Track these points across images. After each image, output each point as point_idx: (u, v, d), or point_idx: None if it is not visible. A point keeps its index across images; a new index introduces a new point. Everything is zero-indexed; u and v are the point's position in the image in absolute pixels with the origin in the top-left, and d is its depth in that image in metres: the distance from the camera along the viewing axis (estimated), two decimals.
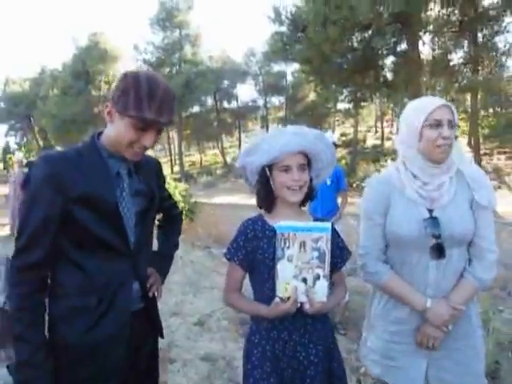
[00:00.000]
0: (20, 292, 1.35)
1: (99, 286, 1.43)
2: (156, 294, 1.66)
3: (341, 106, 29.01)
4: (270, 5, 20.66)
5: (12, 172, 9.61)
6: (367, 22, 14.09)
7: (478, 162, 17.30)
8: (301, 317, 1.54)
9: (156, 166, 1.74)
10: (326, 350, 1.62)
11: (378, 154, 24.34)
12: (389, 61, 18.49)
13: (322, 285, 1.45)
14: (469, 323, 1.70)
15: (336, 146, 5.14)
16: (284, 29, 19.77)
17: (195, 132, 38.38)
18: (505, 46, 16.33)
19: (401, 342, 1.74)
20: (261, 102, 39.53)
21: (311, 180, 1.66)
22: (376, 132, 33.84)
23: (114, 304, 1.44)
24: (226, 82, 37.10)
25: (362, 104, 20.53)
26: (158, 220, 1.92)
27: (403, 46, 17.43)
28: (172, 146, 40.79)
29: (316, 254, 1.43)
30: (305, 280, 1.44)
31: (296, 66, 26.06)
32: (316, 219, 1.71)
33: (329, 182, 4.97)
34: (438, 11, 16.32)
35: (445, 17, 16.37)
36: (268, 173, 1.60)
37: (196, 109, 37.15)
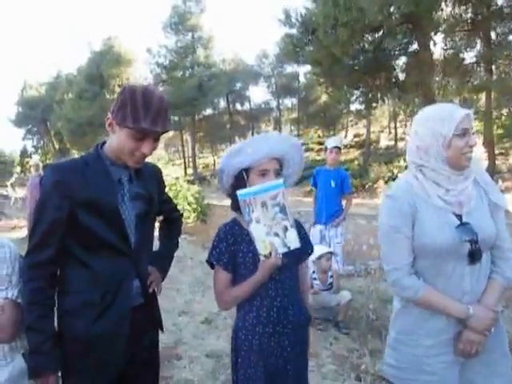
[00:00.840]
0: (32, 287, 1.51)
1: (103, 283, 1.57)
2: (156, 290, 1.80)
3: (353, 107, 28.92)
4: (280, 7, 20.78)
5: (29, 175, 9.91)
6: (377, 23, 14.08)
7: (493, 161, 17.13)
8: (281, 308, 1.69)
9: (156, 172, 1.88)
10: (302, 334, 1.78)
11: (391, 155, 24.19)
12: (400, 61, 18.45)
13: (292, 233, 1.60)
14: (496, 336, 1.67)
15: (340, 149, 5.26)
16: (294, 31, 19.88)
17: (208, 134, 38.61)
18: None
19: (439, 354, 1.70)
20: (274, 104, 39.71)
21: None
22: (390, 133, 33.61)
23: (116, 299, 1.58)
24: (238, 84, 37.31)
25: (374, 105, 20.45)
26: (159, 222, 2.06)
27: (414, 47, 17.34)
28: (185, 149, 41.12)
29: (277, 209, 1.57)
30: (277, 234, 1.59)
31: (308, 67, 26.08)
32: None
33: (333, 185, 5.09)
34: (450, 10, 16.24)
35: (457, 16, 16.28)
36: (245, 176, 1.70)
37: (209, 111, 37.39)
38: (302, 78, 36.20)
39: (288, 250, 1.61)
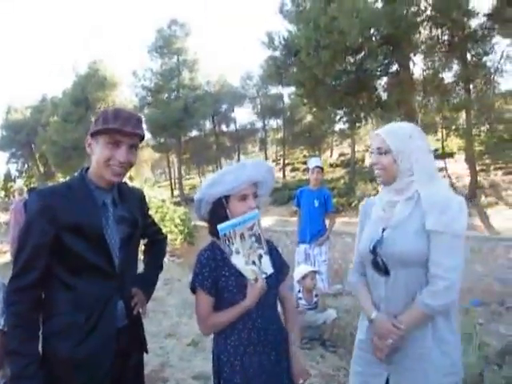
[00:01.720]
0: (16, 311, 1.52)
1: (87, 305, 1.59)
2: (140, 311, 1.82)
3: (337, 126, 29.36)
4: (263, 30, 21.17)
5: (13, 200, 9.82)
6: (358, 45, 14.47)
7: (475, 177, 17.47)
8: (262, 329, 1.73)
9: (139, 195, 1.93)
10: (283, 352, 1.81)
11: None
12: (382, 81, 18.88)
13: (266, 260, 1.71)
14: (422, 345, 1.70)
15: (322, 169, 5.37)
16: (278, 53, 20.29)
17: (195, 156, 38.74)
18: (493, 65, 16.74)
19: (365, 350, 1.85)
20: (259, 125, 40.08)
21: None
22: None
23: (101, 321, 1.60)
24: (224, 106, 37.69)
25: (358, 124, 20.80)
26: (144, 244, 2.09)
27: (395, 67, 17.81)
28: (172, 170, 41.12)
29: (254, 238, 1.69)
30: (254, 262, 1.69)
31: (292, 88, 26.49)
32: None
33: (317, 204, 5.17)
34: (428, 33, 16.78)
35: (434, 38, 16.81)
36: (225, 203, 1.74)
37: (195, 133, 37.68)
38: (286, 99, 36.68)
39: (265, 275, 1.70)
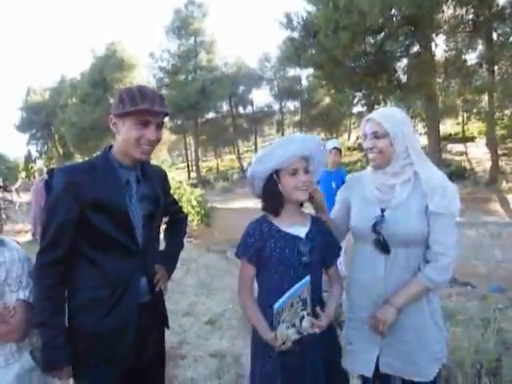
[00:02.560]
0: (44, 284, 1.58)
1: (111, 281, 1.64)
2: (162, 288, 1.86)
3: (356, 109, 28.96)
4: (282, 11, 20.83)
5: (33, 180, 10.04)
6: (378, 25, 14.16)
7: (496, 162, 17.14)
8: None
9: (162, 173, 1.96)
10: (326, 345, 1.80)
11: None
12: (402, 63, 18.51)
13: (306, 321, 1.65)
14: (420, 317, 1.81)
15: (340, 151, 5.32)
16: (296, 34, 19.94)
17: (211, 138, 38.73)
18: None
19: (357, 328, 1.88)
20: (276, 107, 39.73)
21: None
22: None
23: (124, 296, 1.65)
24: (241, 88, 37.41)
25: (377, 107, 20.46)
26: (165, 223, 2.12)
27: (416, 48, 17.40)
28: (189, 152, 41.26)
29: (300, 303, 1.63)
30: (294, 325, 1.63)
31: (310, 70, 26.15)
32: (314, 215, 1.91)
33: (334, 185, 5.15)
34: (451, 12, 16.31)
35: (458, 17, 16.34)
36: (276, 178, 1.77)
37: (212, 115, 37.60)
38: (304, 81, 36.29)
39: (301, 336, 1.65)
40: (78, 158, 36.56)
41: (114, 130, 1.67)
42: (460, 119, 26.52)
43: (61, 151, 47.73)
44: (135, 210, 1.71)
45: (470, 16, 16.40)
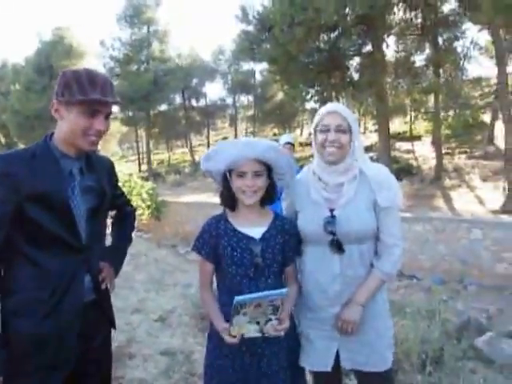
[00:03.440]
0: None
1: (52, 280, 1.51)
2: (109, 286, 1.74)
3: (309, 105, 29.32)
4: (237, 4, 20.70)
5: None
6: (333, 23, 14.33)
7: (440, 160, 17.91)
8: None
9: (108, 164, 1.83)
10: (286, 346, 1.79)
11: None
12: (354, 62, 18.88)
13: (273, 324, 1.62)
14: (374, 308, 1.86)
15: (293, 145, 5.32)
16: (251, 28, 19.90)
17: (163, 130, 37.98)
18: (463, 51, 17.02)
19: (316, 328, 1.88)
20: (230, 101, 39.58)
21: (274, 183, 1.81)
22: None
23: (66, 296, 1.52)
24: (194, 80, 36.91)
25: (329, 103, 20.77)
26: (112, 217, 1.99)
27: (368, 48, 17.80)
28: (140, 144, 40.27)
29: (270, 308, 1.58)
30: (258, 322, 1.59)
31: (264, 65, 26.14)
32: (277, 215, 1.87)
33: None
34: (402, 15, 16.83)
35: (408, 20, 16.89)
36: (228, 177, 1.76)
37: (164, 107, 36.82)
38: (258, 76, 36.31)
39: (261, 335, 1.62)
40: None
41: (57, 117, 1.54)
42: (408, 118, 27.48)
43: (2, 140, 45.15)
44: (78, 203, 1.58)
45: (419, 20, 17.00)
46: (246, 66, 35.48)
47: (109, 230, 1.90)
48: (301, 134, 38.25)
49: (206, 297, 1.83)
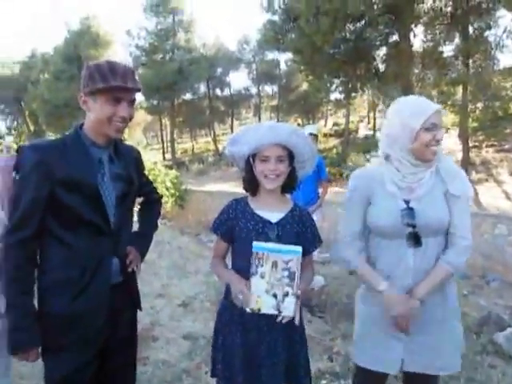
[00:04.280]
0: (13, 264, 1.53)
1: (82, 261, 1.60)
2: (135, 269, 1.84)
3: (333, 96, 29.09)
4: None
5: (1, 158, 9.72)
6: (359, 13, 14.17)
7: (467, 153, 17.56)
8: None
9: (136, 153, 1.92)
10: (288, 323, 1.80)
11: (369, 145, 24.48)
12: (380, 52, 18.61)
13: (291, 301, 1.60)
14: (444, 307, 1.80)
15: (316, 136, 5.32)
16: (277, 18, 19.78)
17: (188, 119, 38.26)
18: (495, 40, 16.54)
19: (379, 326, 1.85)
20: (254, 90, 39.56)
21: (294, 171, 1.82)
22: (368, 122, 33.96)
23: (95, 277, 1.62)
24: (219, 70, 36.99)
25: (354, 94, 20.64)
26: (139, 203, 2.09)
27: (395, 38, 17.52)
28: (164, 133, 40.69)
29: (286, 273, 1.59)
30: (275, 295, 1.60)
31: (289, 55, 25.98)
32: (296, 205, 1.89)
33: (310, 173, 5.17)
34: (431, 4, 16.46)
35: (437, 9, 16.51)
36: (251, 161, 1.78)
37: (189, 96, 37.05)
38: (282, 66, 36.13)
39: (278, 313, 1.61)
40: (50, 136, 35.57)
41: (85, 108, 1.63)
42: None
43: (32, 128, 46.26)
44: (107, 189, 1.67)
45: (449, 9, 16.60)
46: (271, 55, 35.38)
47: (135, 217, 1.99)
48: (325, 124, 37.97)
49: (218, 262, 1.89)
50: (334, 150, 24.84)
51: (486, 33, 16.59)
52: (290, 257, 1.60)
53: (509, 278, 8.11)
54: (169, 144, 37.65)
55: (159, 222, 2.25)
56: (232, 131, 37.71)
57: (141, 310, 1.92)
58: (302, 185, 5.23)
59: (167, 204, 14.09)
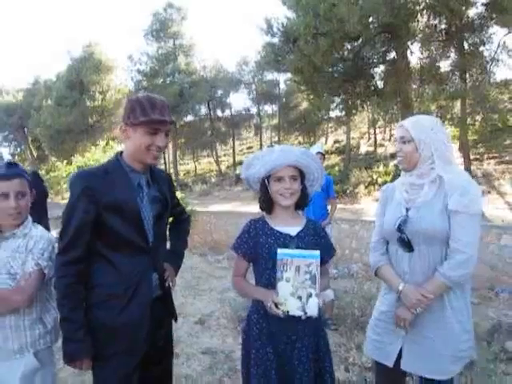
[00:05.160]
0: (64, 283, 1.69)
1: (126, 277, 1.76)
2: (171, 284, 1.99)
3: (333, 113, 29.44)
4: (262, 16, 20.95)
5: None
6: (357, 33, 14.46)
7: (468, 166, 17.69)
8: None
9: (168, 177, 2.10)
10: (313, 329, 1.94)
11: (371, 161, 24.71)
12: (379, 70, 18.92)
13: (314, 301, 1.76)
14: (441, 314, 1.92)
15: (323, 155, 5.51)
16: (276, 40, 20.15)
17: (190, 141, 38.57)
18: (490, 55, 16.85)
19: (385, 321, 2.05)
20: (254, 110, 39.94)
21: (306, 189, 2.00)
22: (369, 139, 34.22)
23: (138, 291, 1.78)
24: (219, 91, 37.42)
25: (354, 112, 20.87)
26: (169, 223, 2.25)
27: (392, 55, 17.83)
28: (166, 155, 41.00)
29: (308, 276, 1.75)
30: (300, 297, 1.76)
31: (288, 74, 26.38)
32: (309, 219, 2.05)
33: (319, 190, 5.33)
34: (426, 21, 16.81)
35: (432, 26, 16.86)
36: (266, 182, 1.95)
37: (190, 118, 37.45)
38: (282, 85, 36.59)
39: (303, 314, 1.76)
40: (53, 161, 35.86)
41: (124, 136, 1.80)
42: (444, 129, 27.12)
43: (35, 153, 46.67)
44: (146, 210, 1.84)
45: (443, 26, 16.95)
46: (270, 75, 35.82)
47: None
48: (325, 142, 38.27)
49: (241, 280, 2.01)
50: (336, 167, 25.03)
51: (481, 48, 16.90)
52: (311, 260, 1.76)
53: None
54: (171, 165, 37.91)
55: None
56: (234, 151, 38.02)
57: (176, 321, 2.06)
58: (312, 202, 5.43)
59: None
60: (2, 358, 1.80)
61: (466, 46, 16.95)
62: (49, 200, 5.27)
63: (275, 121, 39.80)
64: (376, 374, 2.24)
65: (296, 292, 1.75)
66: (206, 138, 38.57)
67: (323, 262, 1.96)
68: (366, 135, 36.34)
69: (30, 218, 1.96)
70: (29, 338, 1.83)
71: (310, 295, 1.75)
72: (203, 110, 37.94)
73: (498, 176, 18.25)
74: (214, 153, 38.35)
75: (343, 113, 21.56)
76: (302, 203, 2.01)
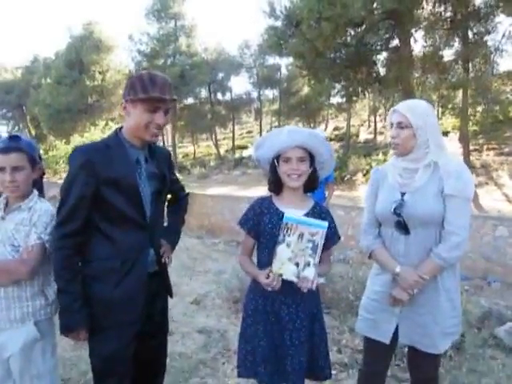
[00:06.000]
0: (62, 255, 1.71)
1: (123, 252, 1.79)
2: (167, 260, 2.02)
3: (334, 100, 29.29)
4: None
5: None
6: (360, 18, 14.32)
7: (467, 157, 17.70)
8: (291, 288, 1.87)
9: (167, 154, 2.11)
10: (308, 313, 1.97)
11: (370, 148, 24.69)
12: (381, 57, 18.76)
13: (311, 271, 1.77)
14: (435, 294, 2.01)
15: None
16: (278, 23, 19.92)
17: (189, 124, 38.36)
18: (494, 45, 16.72)
19: (379, 301, 2.10)
20: (255, 95, 39.68)
21: (315, 171, 2.01)
22: (369, 126, 34.11)
23: (135, 266, 1.80)
24: (220, 74, 37.13)
25: (355, 99, 20.75)
26: (168, 200, 2.27)
27: (395, 43, 17.66)
28: (165, 138, 40.84)
29: (310, 245, 1.77)
30: (297, 264, 1.77)
31: (290, 59, 26.16)
32: (317, 203, 2.07)
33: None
34: (431, 9, 16.63)
35: (437, 14, 16.68)
36: (276, 163, 1.96)
37: (190, 100, 37.22)
38: (283, 70, 36.32)
39: (297, 280, 1.78)
40: (52, 140, 35.67)
41: (124, 113, 1.81)
42: (435, 113, 27.13)
43: (33, 132, 46.41)
44: (144, 186, 1.85)
45: (448, 14, 16.76)
46: (272, 60, 35.53)
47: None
48: (325, 128, 38.15)
49: (245, 259, 2.06)
50: (335, 154, 25.00)
51: (486, 37, 16.74)
52: (317, 230, 1.76)
53: (509, 279, 8.23)
54: (170, 148, 37.81)
55: None
56: (233, 135, 37.91)
57: (171, 297, 2.09)
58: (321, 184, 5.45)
59: None
60: (5, 326, 1.84)
61: (470, 35, 16.79)
62: (45, 180, 5.27)
63: (276, 106, 39.60)
64: (366, 350, 2.28)
65: (294, 258, 1.77)
66: (205, 121, 38.38)
67: (325, 247, 1.95)
68: (367, 123, 36.22)
69: (35, 192, 1.98)
70: (30, 308, 1.87)
71: (307, 264, 1.77)
72: (204, 92, 37.68)
73: (496, 167, 18.29)
74: (214, 136, 38.22)
75: (344, 99, 21.44)
76: (311, 186, 2.02)
